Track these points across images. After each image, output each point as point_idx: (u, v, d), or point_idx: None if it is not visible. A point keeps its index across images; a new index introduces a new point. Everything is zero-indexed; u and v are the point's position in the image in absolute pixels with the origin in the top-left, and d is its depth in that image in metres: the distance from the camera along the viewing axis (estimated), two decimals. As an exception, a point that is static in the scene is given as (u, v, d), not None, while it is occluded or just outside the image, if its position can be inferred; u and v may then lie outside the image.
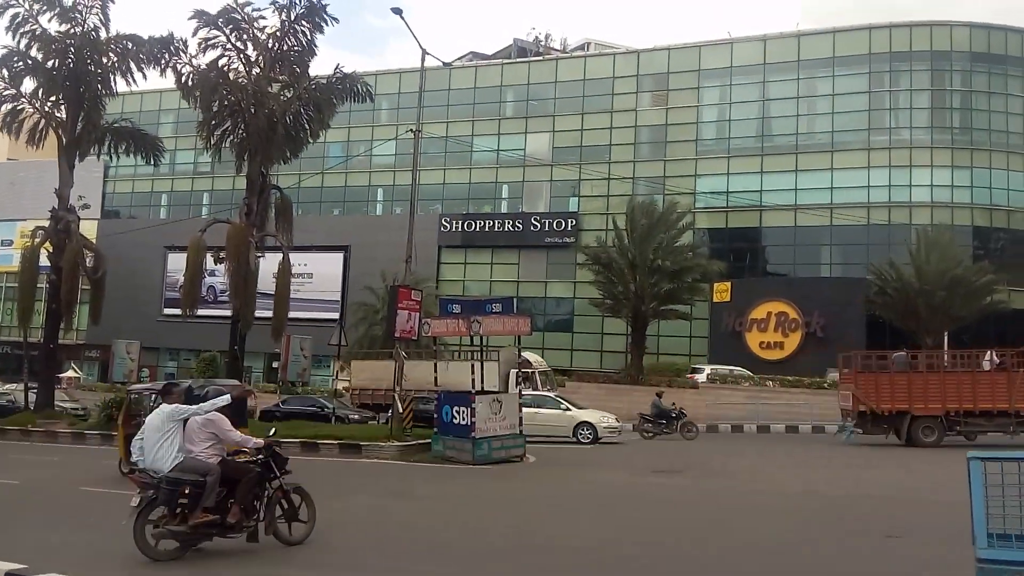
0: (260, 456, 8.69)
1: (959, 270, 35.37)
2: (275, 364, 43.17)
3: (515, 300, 28.66)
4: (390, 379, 23.13)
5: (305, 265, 45.71)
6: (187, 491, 8.02)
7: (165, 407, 8.51)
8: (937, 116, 43.62)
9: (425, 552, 9.03)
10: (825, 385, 33.48)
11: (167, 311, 51.82)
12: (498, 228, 49.92)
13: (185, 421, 8.41)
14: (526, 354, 33.60)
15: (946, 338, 38.67)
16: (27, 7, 27.52)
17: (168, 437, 8.27)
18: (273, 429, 10.33)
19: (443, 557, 8.75)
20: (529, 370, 30.67)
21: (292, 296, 27.31)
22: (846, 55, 44.59)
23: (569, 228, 48.16)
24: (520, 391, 28.86)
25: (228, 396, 8.95)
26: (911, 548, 9.03)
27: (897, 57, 43.92)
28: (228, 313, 27.18)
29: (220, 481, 8.27)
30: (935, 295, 35.02)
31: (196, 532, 8.18)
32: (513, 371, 29.80)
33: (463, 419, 18.44)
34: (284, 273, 26.11)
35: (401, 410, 21.69)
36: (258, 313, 26.06)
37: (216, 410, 8.61)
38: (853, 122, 44.41)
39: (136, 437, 8.92)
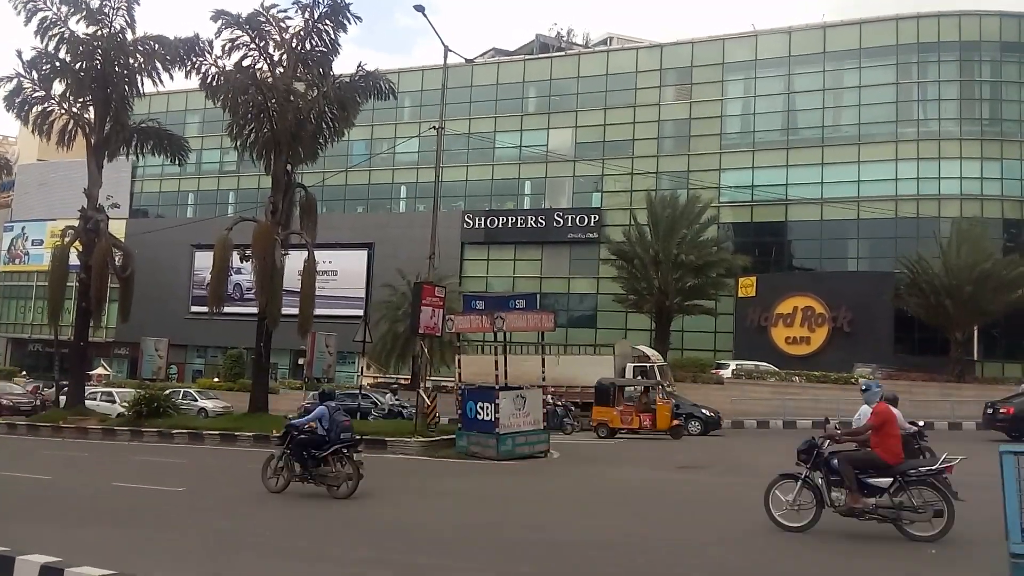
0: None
1: (989, 264, 34.80)
2: (301, 361, 43.50)
3: (538, 296, 28.58)
4: (493, 373, 22.82)
5: (330, 262, 45.98)
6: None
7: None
8: (966, 107, 42.95)
9: (440, 547, 9.09)
10: (853, 380, 33.14)
11: (194, 309, 52.44)
12: (521, 224, 49.91)
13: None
14: (642, 348, 33.16)
15: (976, 333, 38.13)
16: (55, 10, 27.87)
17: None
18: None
19: (457, 552, 8.82)
20: (647, 364, 30.06)
21: (317, 293, 27.48)
22: (873, 46, 44.02)
23: (592, 223, 48.03)
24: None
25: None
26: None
27: (925, 48, 43.30)
28: (254, 310, 27.42)
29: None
30: (964, 290, 34.50)
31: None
32: (630, 365, 29.51)
33: (487, 415, 18.46)
34: (309, 271, 26.26)
35: (427, 403, 21.78)
36: (284, 310, 26.26)
37: None
38: (880, 114, 43.84)
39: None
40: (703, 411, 27.09)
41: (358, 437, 12.97)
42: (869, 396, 10.00)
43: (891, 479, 9.08)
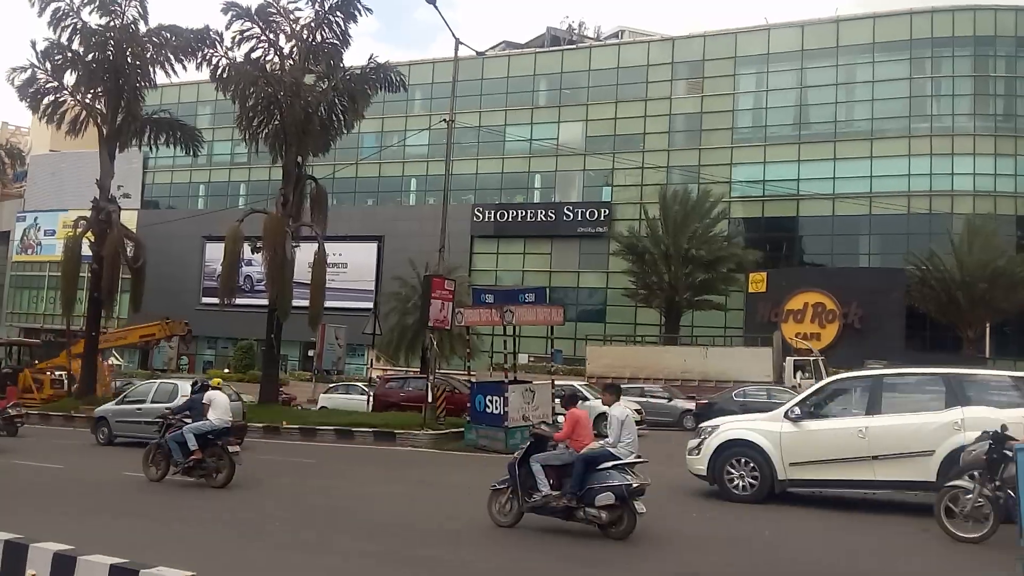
0: None
1: (1002, 261, 34.58)
2: (310, 353, 43.58)
3: (547, 290, 28.57)
4: (632, 366, 22.00)
5: (340, 255, 46.09)
6: None
7: None
8: (980, 103, 42.62)
9: (440, 537, 9.15)
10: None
11: (205, 300, 52.51)
12: (531, 218, 49.86)
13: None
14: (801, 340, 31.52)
15: (988, 330, 37.91)
16: (68, 1, 27.96)
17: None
18: None
19: (456, 542, 8.89)
20: (809, 358, 28.69)
21: (327, 285, 27.55)
22: (886, 41, 43.72)
23: (602, 218, 47.94)
24: (799, 382, 26.80)
25: None
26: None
27: (939, 42, 42.96)
28: (265, 302, 27.53)
29: None
30: (977, 286, 34.29)
31: None
32: (790, 359, 28.63)
33: (496, 408, 18.45)
34: (319, 263, 26.33)
35: (435, 398, 21.83)
36: (294, 302, 26.33)
37: None
38: (893, 109, 43.56)
39: None
40: None
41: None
42: None
43: None
